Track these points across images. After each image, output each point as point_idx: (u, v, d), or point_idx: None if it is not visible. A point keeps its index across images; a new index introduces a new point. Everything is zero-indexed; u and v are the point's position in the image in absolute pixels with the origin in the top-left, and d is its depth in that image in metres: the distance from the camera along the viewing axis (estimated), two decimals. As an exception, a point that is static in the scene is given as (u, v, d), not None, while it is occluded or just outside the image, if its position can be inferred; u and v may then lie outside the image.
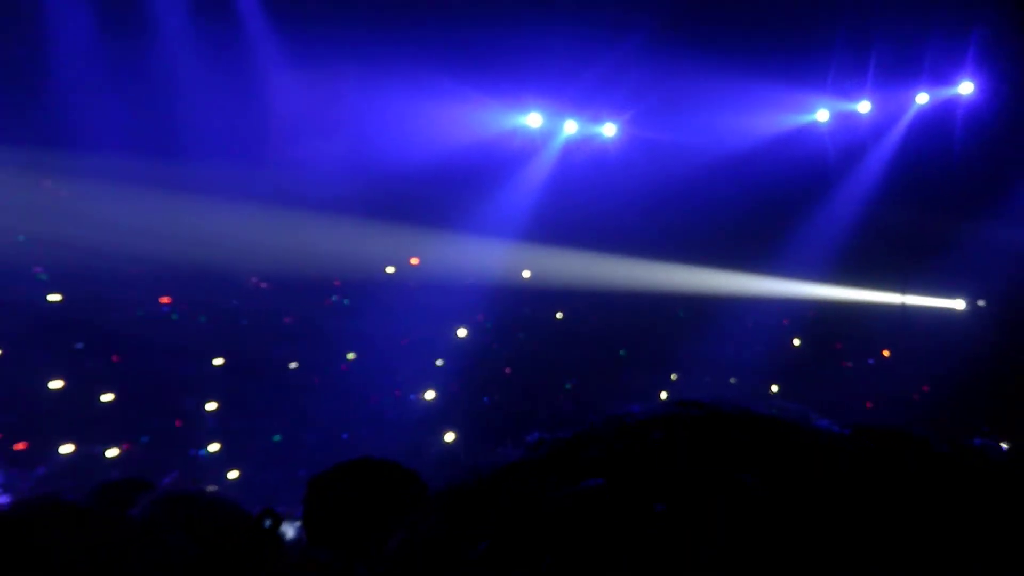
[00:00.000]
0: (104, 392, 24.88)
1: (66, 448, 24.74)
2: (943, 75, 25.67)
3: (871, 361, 28.90)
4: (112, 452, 24.82)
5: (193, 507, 2.59)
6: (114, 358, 26.00)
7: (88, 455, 24.82)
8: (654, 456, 1.41)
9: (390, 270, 27.97)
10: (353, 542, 3.31)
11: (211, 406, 26.23)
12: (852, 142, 26.90)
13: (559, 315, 28.85)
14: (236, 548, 2.40)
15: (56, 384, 25.37)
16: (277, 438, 26.55)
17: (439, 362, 28.17)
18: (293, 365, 27.29)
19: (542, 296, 28.35)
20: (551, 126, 27.31)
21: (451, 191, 25.83)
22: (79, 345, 25.49)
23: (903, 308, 27.88)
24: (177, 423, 25.79)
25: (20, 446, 24.30)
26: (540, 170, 27.38)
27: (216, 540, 2.31)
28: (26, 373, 24.95)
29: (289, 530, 5.32)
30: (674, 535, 1.22)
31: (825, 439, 1.26)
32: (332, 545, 3.37)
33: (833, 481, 1.23)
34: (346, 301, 27.97)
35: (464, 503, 1.16)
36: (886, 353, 28.97)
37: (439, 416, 28.01)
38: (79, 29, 23.92)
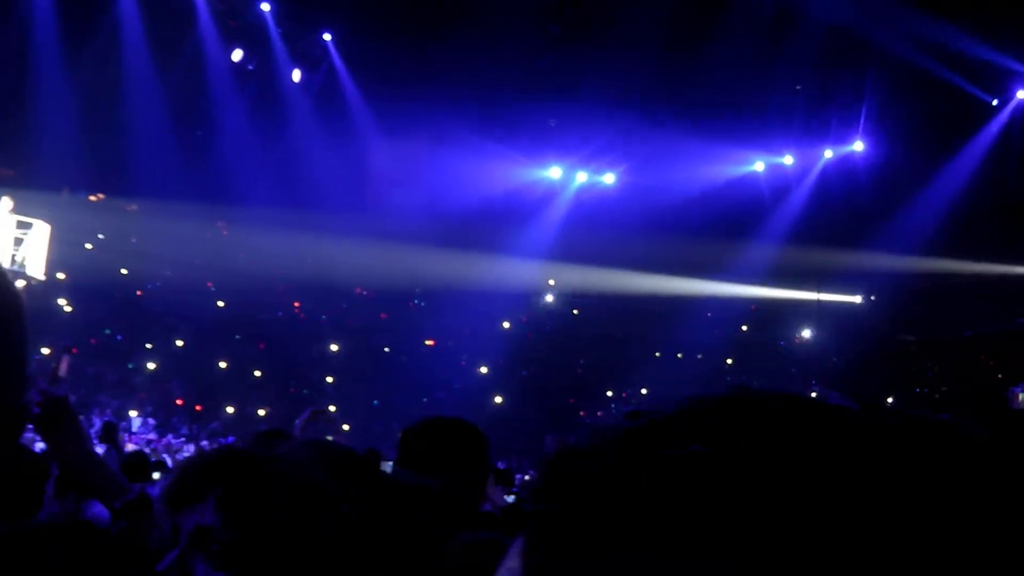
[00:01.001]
0: (255, 369, 32.05)
1: (230, 409, 32.22)
2: (843, 135, 31.55)
3: (796, 341, 35.60)
4: (261, 412, 31.85)
5: (322, 449, 2.63)
6: (261, 345, 33.23)
7: (244, 414, 32.37)
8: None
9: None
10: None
11: (329, 379, 33.82)
12: (780, 185, 33.01)
13: (575, 311, 36.34)
14: (352, 478, 2.38)
15: (223, 364, 33.30)
16: (376, 402, 34.20)
17: (491, 346, 35.16)
18: (387, 349, 35.10)
19: (564, 298, 35.58)
20: (567, 177, 34.30)
21: (495, 224, 32.66)
22: (237, 336, 33.07)
23: (818, 302, 33.80)
24: (305, 391, 32.77)
25: (199, 408, 32.01)
26: (559, 208, 34.22)
27: (339, 472, 2.34)
28: (202, 356, 32.82)
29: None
30: None
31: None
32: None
33: None
34: (424, 303, 35.61)
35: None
36: (805, 334, 35.55)
37: (491, 384, 35.47)
38: (236, 111, 31.67)
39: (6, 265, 19.67)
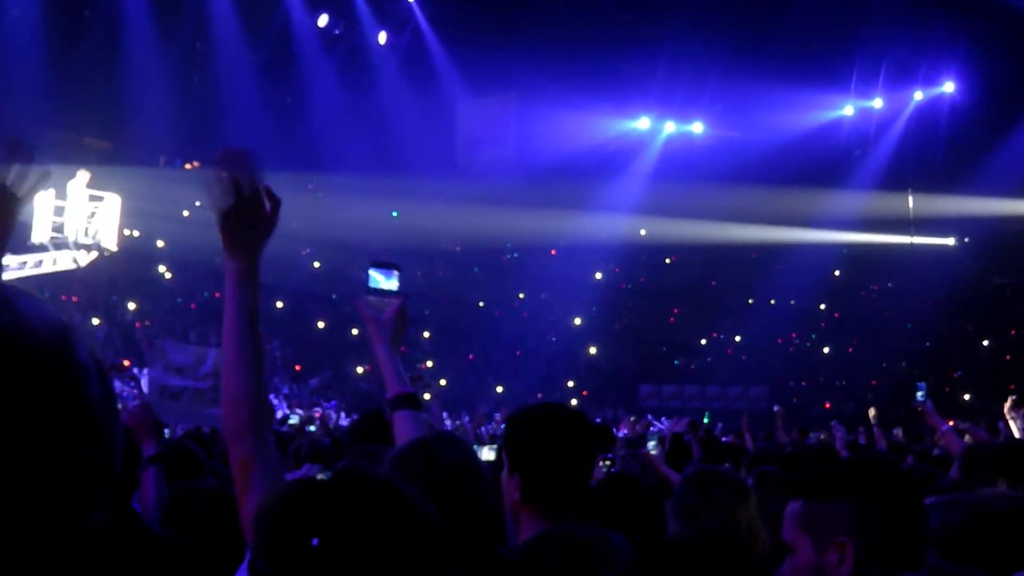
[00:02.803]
0: (352, 328, 31.84)
1: (327, 369, 33.09)
2: (932, 77, 31.45)
3: (889, 285, 35.32)
4: (359, 370, 32.56)
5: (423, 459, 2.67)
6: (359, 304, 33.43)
7: (343, 373, 33.22)
8: None
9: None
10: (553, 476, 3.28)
11: (426, 334, 34.40)
12: (870, 129, 32.85)
13: (668, 260, 36.49)
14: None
15: (321, 324, 34.02)
16: (471, 356, 34.87)
17: (584, 297, 35.34)
18: (481, 304, 35.59)
19: (656, 249, 35.66)
20: (655, 127, 34.46)
21: (585, 177, 32.70)
22: (334, 296, 33.70)
23: (911, 245, 33.76)
24: (403, 348, 33.01)
25: (298, 367, 32.66)
26: (648, 159, 34.33)
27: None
28: (300, 317, 33.54)
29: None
30: None
31: None
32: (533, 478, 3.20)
33: None
34: (517, 255, 36.04)
35: None
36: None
37: (585, 335, 35.68)
38: (326, 82, 32.31)
39: (80, 238, 20.91)
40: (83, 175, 20.96)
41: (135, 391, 18.98)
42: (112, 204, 21.43)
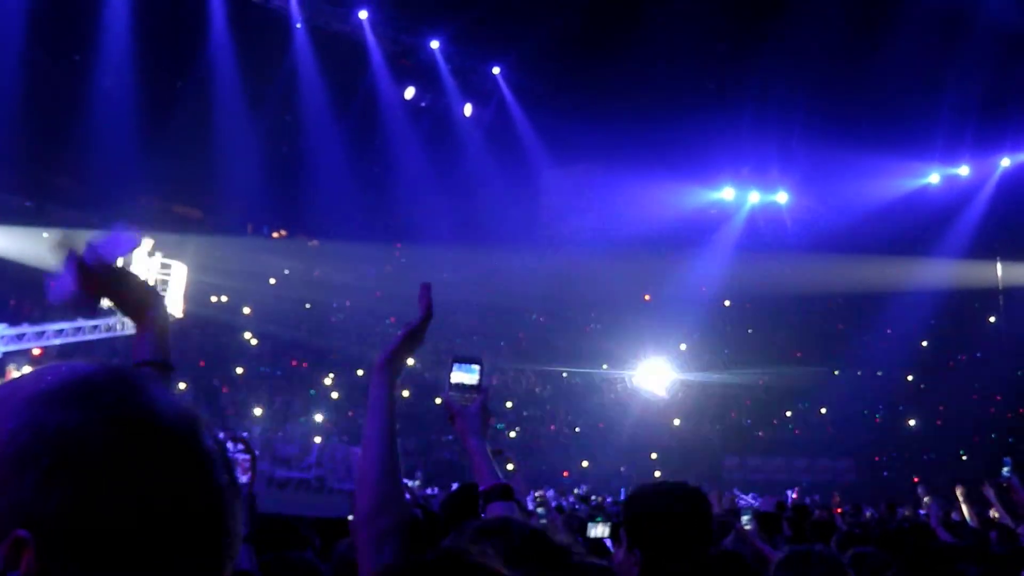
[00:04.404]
0: (436, 397, 30.61)
1: (410, 438, 32.89)
2: (1019, 142, 30.90)
3: (978, 355, 34.82)
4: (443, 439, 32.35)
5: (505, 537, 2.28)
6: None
7: (427, 442, 32.89)
8: None
9: (647, 297, 34.73)
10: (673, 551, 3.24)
11: (509, 404, 34.10)
12: (955, 198, 32.28)
13: (750, 330, 36.41)
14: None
15: (405, 393, 33.29)
16: (554, 428, 34.71)
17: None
18: (565, 374, 35.59)
19: (740, 319, 35.85)
20: (740, 197, 34.42)
21: (671, 247, 32.84)
22: (418, 365, 33.24)
23: (1000, 314, 33.62)
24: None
25: None
26: (734, 229, 34.33)
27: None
28: None
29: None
30: None
31: None
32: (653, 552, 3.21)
33: None
34: (599, 326, 36.08)
35: None
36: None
37: (669, 407, 35.29)
38: (412, 153, 32.60)
39: None
40: (146, 242, 21.48)
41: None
42: (179, 272, 22.12)
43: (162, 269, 21.84)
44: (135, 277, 2.22)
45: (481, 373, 3.08)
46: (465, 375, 3.10)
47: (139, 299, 2.20)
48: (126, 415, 0.95)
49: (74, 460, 0.91)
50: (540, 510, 10.16)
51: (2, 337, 21.48)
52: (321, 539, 5.37)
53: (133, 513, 0.91)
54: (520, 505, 3.35)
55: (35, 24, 25.92)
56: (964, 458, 32.18)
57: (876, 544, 5.82)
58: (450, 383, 3.06)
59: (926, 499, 11.07)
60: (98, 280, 2.10)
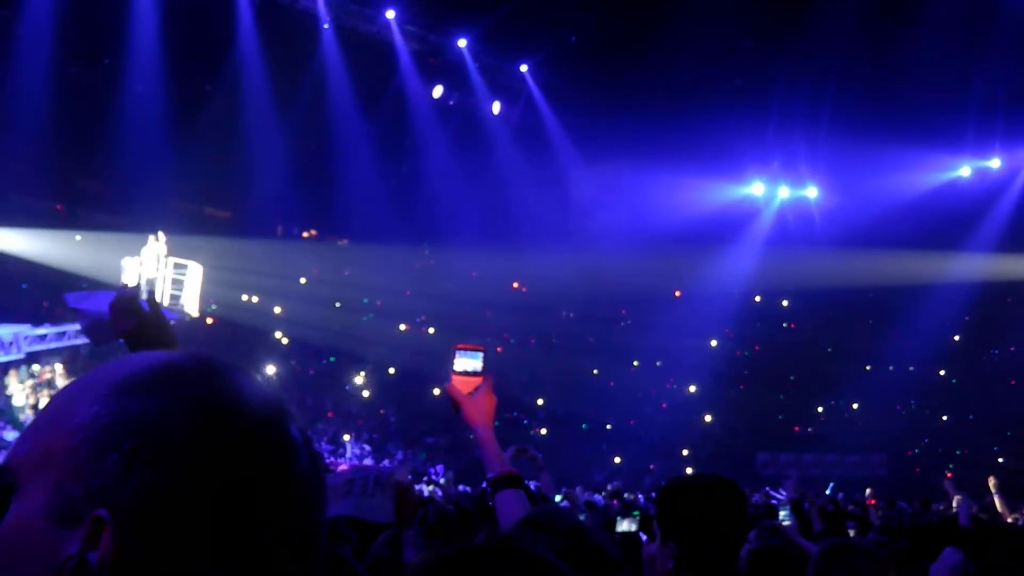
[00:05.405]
0: None
1: (441, 436, 32.91)
2: None
3: (1012, 349, 34.76)
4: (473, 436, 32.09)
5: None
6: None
7: (458, 440, 31.04)
8: None
9: (677, 293, 34.68)
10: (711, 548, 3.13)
11: (540, 401, 34.38)
12: (986, 191, 32.01)
13: (784, 325, 36.22)
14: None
15: (436, 391, 33.74)
16: (584, 426, 34.67)
17: (697, 364, 35.00)
18: (595, 372, 35.62)
19: (771, 315, 35.59)
20: (769, 193, 34.33)
21: (701, 244, 32.63)
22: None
23: None
24: (515, 413, 33.16)
25: (412, 434, 32.64)
26: (763, 224, 34.28)
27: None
28: (413, 382, 32.75)
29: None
30: None
31: None
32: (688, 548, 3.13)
33: None
34: (630, 323, 36.00)
35: None
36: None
37: (700, 403, 35.43)
38: (440, 152, 32.67)
39: (166, 304, 21.05)
40: (160, 240, 21.62)
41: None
42: (195, 272, 22.21)
43: (176, 269, 21.91)
44: (166, 333, 2.26)
45: (484, 359, 3.10)
46: (469, 361, 3.12)
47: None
48: (210, 402, 0.96)
49: (155, 445, 0.92)
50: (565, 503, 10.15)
51: (26, 337, 21.76)
52: (359, 536, 5.37)
53: (212, 501, 0.91)
54: (529, 492, 3.36)
55: (64, 29, 26.09)
56: (997, 452, 32.01)
57: (908, 539, 5.73)
58: (453, 371, 3.07)
59: (957, 498, 10.71)
60: (131, 328, 2.15)
